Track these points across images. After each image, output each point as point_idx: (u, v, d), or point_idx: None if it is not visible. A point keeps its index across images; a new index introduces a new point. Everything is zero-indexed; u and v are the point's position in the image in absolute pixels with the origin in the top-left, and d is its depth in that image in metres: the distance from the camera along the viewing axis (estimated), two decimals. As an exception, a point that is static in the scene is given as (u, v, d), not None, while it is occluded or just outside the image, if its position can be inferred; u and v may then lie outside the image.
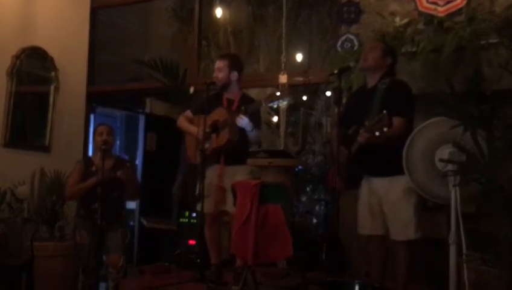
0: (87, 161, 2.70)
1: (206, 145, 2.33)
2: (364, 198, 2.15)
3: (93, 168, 2.62)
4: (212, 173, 2.37)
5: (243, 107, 2.30)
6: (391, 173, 2.03)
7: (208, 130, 2.32)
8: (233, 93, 2.45)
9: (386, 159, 2.01)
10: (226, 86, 2.43)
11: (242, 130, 2.33)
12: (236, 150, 2.37)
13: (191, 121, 2.51)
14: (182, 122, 2.56)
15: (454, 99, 1.84)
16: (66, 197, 2.85)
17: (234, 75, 2.42)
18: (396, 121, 1.98)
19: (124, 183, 2.60)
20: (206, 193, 2.29)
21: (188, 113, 2.56)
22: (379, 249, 2.14)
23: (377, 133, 1.82)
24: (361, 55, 2.18)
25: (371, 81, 2.11)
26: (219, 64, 2.43)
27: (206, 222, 2.35)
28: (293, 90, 2.31)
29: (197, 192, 2.32)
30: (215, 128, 2.35)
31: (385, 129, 1.80)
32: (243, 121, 2.27)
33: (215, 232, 2.44)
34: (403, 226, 2.00)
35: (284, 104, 2.37)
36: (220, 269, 2.38)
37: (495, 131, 1.81)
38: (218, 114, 2.37)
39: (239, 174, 2.36)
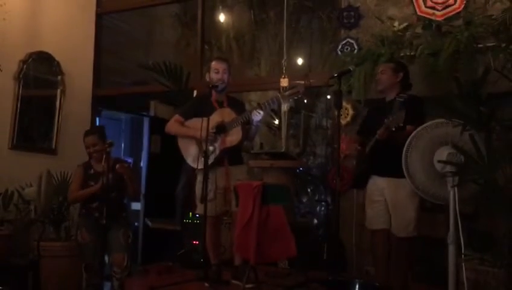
0: (86, 164, 2.73)
1: (211, 147, 2.30)
2: (371, 196, 2.29)
3: (92, 171, 2.64)
4: (216, 175, 2.34)
5: (258, 103, 2.33)
6: (398, 174, 2.11)
7: (213, 131, 2.30)
8: (221, 96, 2.44)
9: (396, 160, 2.11)
10: (225, 88, 2.44)
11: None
12: (237, 150, 2.40)
13: (183, 126, 2.42)
14: (176, 127, 2.42)
15: (453, 101, 1.88)
16: (69, 202, 2.91)
17: (230, 78, 2.45)
18: (409, 128, 2.12)
19: (123, 183, 2.63)
20: (210, 196, 2.26)
21: (178, 117, 2.44)
22: (383, 242, 2.23)
23: (393, 128, 2.02)
24: (375, 80, 2.42)
25: (390, 96, 2.31)
26: (224, 66, 2.42)
27: (209, 223, 2.33)
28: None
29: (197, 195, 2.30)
30: (222, 128, 2.34)
31: (401, 124, 1.99)
32: (259, 116, 2.29)
33: (216, 233, 2.45)
34: (406, 225, 2.17)
35: (298, 97, 2.40)
36: (220, 268, 2.40)
37: (493, 132, 1.86)
38: (222, 115, 2.35)
39: (240, 174, 2.38)
